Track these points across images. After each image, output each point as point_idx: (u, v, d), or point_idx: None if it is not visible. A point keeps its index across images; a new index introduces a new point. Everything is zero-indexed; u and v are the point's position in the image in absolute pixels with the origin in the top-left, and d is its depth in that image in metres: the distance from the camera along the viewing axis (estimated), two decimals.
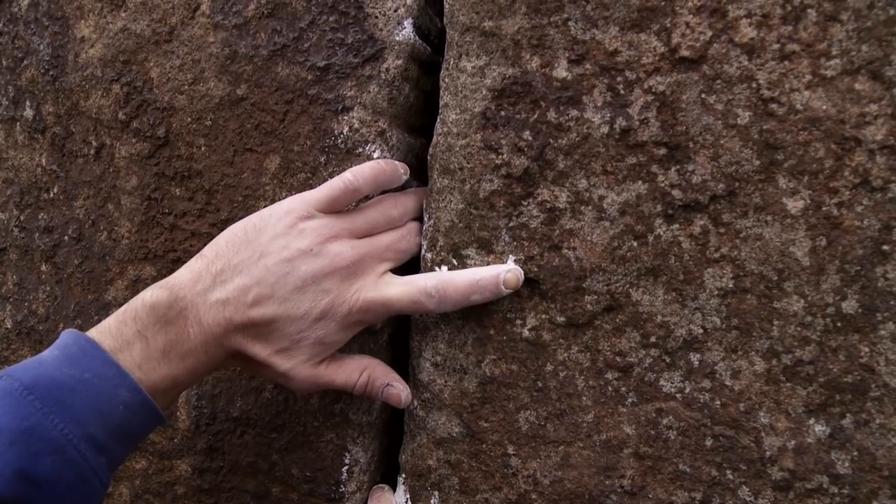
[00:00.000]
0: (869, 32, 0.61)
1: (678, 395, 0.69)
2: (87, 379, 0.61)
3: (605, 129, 0.68)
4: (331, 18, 0.78)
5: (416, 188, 0.81)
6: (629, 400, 0.70)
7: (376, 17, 0.77)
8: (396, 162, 0.76)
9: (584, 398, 0.72)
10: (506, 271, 0.71)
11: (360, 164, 0.76)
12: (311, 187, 0.78)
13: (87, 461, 0.59)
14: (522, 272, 0.72)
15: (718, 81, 0.65)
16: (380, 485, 0.83)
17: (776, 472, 0.66)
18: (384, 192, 0.78)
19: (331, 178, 0.78)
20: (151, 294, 0.67)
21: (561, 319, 0.72)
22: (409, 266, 0.79)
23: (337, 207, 0.73)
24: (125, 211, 0.90)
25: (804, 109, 0.63)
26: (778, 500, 0.66)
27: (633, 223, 0.68)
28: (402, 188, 0.79)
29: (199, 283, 0.69)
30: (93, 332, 0.66)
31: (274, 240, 0.70)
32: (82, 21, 0.91)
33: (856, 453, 0.64)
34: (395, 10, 0.76)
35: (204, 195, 0.85)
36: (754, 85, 0.64)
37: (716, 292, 0.67)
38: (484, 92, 0.72)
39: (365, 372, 0.75)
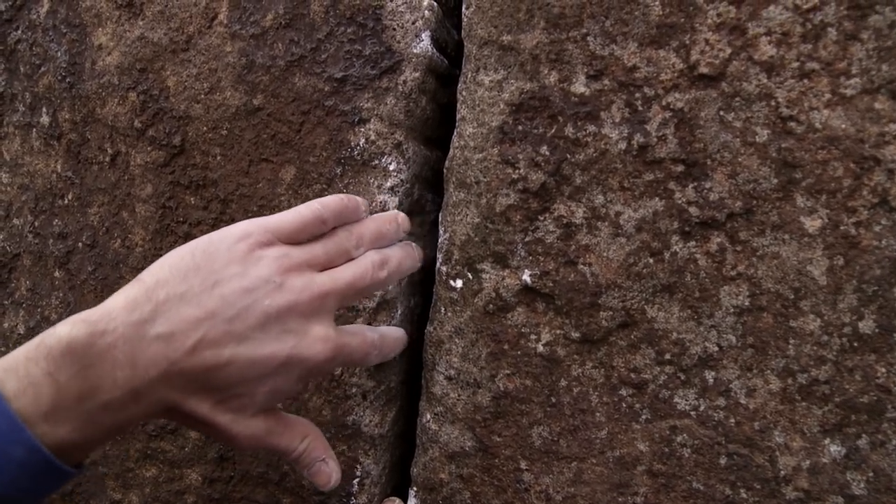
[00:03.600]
0: (889, 52, 0.61)
1: (692, 413, 0.69)
2: None
3: (623, 146, 0.68)
4: (349, 30, 0.78)
5: (373, 216, 0.72)
6: (643, 417, 0.70)
7: (394, 30, 0.77)
8: (359, 199, 0.70)
9: (598, 414, 0.72)
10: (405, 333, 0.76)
11: (376, 176, 0.77)
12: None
13: None
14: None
15: (737, 99, 0.65)
16: (391, 497, 0.83)
17: (790, 492, 0.66)
18: None
19: (346, 189, 0.78)
20: (70, 330, 0.53)
21: (576, 335, 0.72)
22: (420, 277, 0.79)
23: (301, 238, 0.65)
24: (139, 219, 0.90)
25: (823, 128, 0.63)
26: None
27: (650, 240, 0.68)
28: (420, 208, 0.79)
29: (136, 311, 0.55)
30: None
31: (228, 266, 0.59)
32: (100, 29, 0.91)
33: (871, 474, 0.64)
34: (413, 23, 0.76)
35: (219, 204, 0.85)
36: (773, 103, 0.64)
37: (732, 310, 0.67)
38: (501, 106, 0.72)
39: (306, 440, 0.66)
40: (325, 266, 0.65)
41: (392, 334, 0.73)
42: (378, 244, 0.70)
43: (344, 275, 0.65)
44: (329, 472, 0.67)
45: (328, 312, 0.63)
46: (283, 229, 0.63)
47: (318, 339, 0.61)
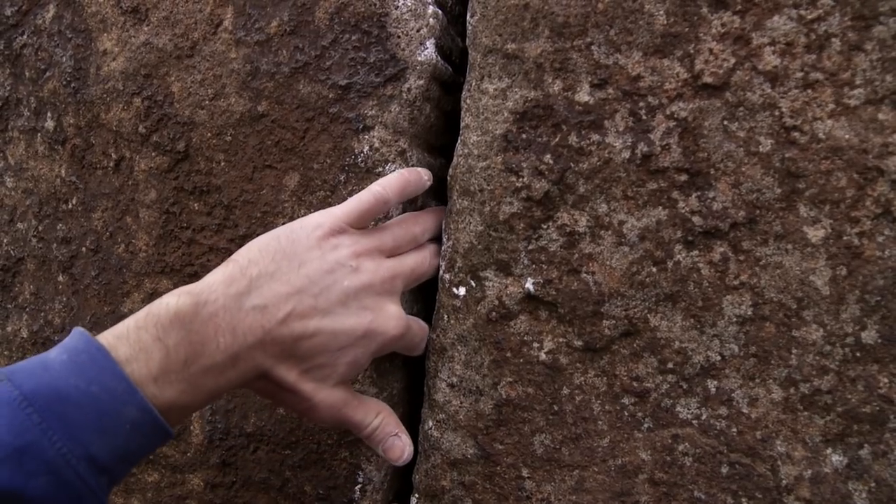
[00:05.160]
0: (894, 62, 0.61)
1: (694, 422, 0.69)
2: (94, 393, 0.55)
3: (627, 154, 0.68)
4: (353, 37, 0.78)
5: (435, 207, 0.81)
6: (645, 425, 0.70)
7: (399, 37, 0.77)
8: (419, 168, 0.76)
9: (600, 423, 0.72)
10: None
11: None
12: (331, 205, 0.79)
13: (85, 483, 0.55)
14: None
15: (741, 109, 0.65)
16: None
17: (792, 502, 0.66)
18: (405, 206, 0.79)
19: (350, 196, 0.78)
20: (177, 300, 0.60)
21: (578, 343, 0.72)
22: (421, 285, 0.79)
23: (367, 220, 0.71)
24: (143, 224, 0.90)
25: (827, 138, 0.63)
26: None
27: (653, 249, 0.68)
28: (420, 207, 0.79)
29: (233, 286, 0.62)
30: (108, 336, 0.60)
31: (309, 251, 0.66)
32: (105, 34, 0.91)
33: (873, 484, 0.64)
34: (418, 31, 0.77)
35: (222, 210, 0.85)
36: (777, 113, 0.64)
37: (734, 319, 0.67)
38: (505, 114, 0.72)
39: (380, 416, 0.71)
40: (393, 252, 0.73)
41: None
42: (437, 233, 0.79)
43: (408, 261, 0.73)
44: (402, 445, 0.72)
45: (396, 293, 0.71)
46: (350, 216, 0.70)
47: (391, 316, 0.69)
